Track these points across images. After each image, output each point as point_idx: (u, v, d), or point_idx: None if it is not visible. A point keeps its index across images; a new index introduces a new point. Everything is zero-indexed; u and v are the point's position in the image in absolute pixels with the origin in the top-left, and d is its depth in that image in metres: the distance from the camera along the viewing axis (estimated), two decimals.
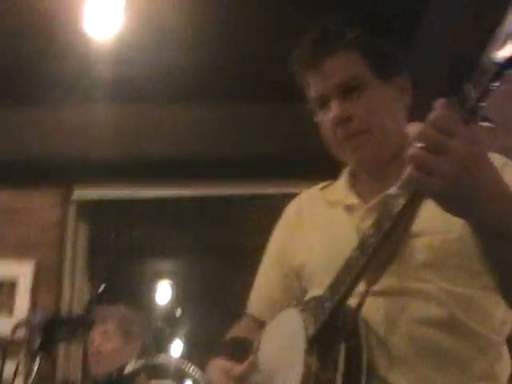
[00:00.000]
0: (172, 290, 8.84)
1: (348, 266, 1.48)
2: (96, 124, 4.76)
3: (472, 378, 1.53)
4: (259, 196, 5.26)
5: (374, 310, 1.55)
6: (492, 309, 1.56)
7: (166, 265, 8.51)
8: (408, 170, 1.17)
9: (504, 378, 1.60)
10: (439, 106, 1.16)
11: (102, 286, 6.92)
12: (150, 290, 8.85)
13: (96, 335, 3.17)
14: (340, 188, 1.84)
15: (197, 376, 1.22)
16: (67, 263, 4.86)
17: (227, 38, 4.20)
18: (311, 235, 1.81)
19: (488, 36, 1.14)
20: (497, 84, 1.13)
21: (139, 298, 8.40)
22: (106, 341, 3.22)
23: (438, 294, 1.54)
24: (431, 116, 1.15)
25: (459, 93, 1.16)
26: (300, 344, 1.52)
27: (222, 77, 4.52)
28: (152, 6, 3.94)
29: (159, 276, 8.70)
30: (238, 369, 1.61)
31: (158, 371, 2.98)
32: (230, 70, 4.48)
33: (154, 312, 9.01)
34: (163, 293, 8.83)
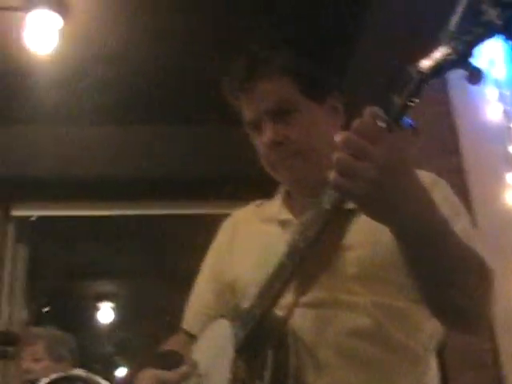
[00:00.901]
0: (114, 312, 8.77)
1: (276, 273, 1.49)
2: (36, 143, 4.74)
3: None
4: (197, 216, 5.28)
5: (302, 321, 1.55)
6: (421, 322, 1.56)
7: (108, 286, 8.44)
8: (331, 175, 1.19)
9: None
10: (365, 114, 1.18)
11: (46, 309, 6.84)
12: (92, 312, 8.78)
13: (25, 357, 3.15)
14: (275, 205, 1.85)
15: None
16: (5, 284, 4.80)
17: (166, 60, 4.24)
18: (245, 250, 1.82)
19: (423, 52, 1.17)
20: (420, 92, 1.16)
21: (81, 319, 8.32)
22: (35, 362, 3.20)
23: (367, 306, 1.55)
24: (356, 123, 1.17)
25: (385, 101, 1.18)
26: (229, 352, 1.54)
27: (162, 99, 4.56)
28: (91, 26, 3.96)
29: (100, 298, 8.63)
30: (170, 375, 1.61)
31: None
32: (171, 93, 4.51)
33: (96, 334, 8.93)
34: (105, 314, 8.75)
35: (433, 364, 1.65)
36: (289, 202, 1.83)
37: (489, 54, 3.51)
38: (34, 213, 5.07)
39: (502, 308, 3.04)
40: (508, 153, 3.46)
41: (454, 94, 3.59)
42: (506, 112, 3.53)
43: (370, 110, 1.18)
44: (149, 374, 1.65)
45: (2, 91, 4.36)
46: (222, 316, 1.70)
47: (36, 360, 3.19)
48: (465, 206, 2.94)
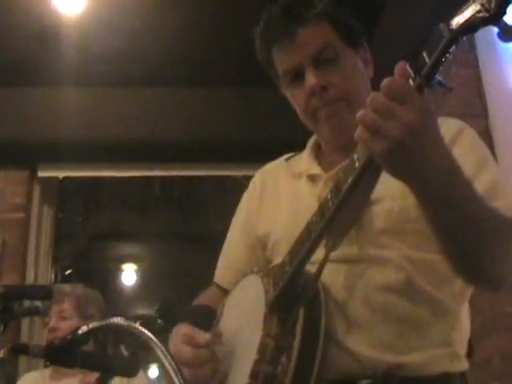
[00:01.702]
0: (137, 274, 8.83)
1: (307, 230, 1.49)
2: (61, 106, 4.74)
3: (429, 344, 1.55)
4: (221, 178, 5.29)
5: (333, 277, 1.57)
6: (451, 275, 1.53)
7: (131, 249, 8.49)
8: (357, 130, 1.21)
9: (461, 345, 1.62)
10: (396, 72, 1.18)
11: (69, 271, 6.89)
12: (116, 274, 8.83)
13: (52, 314, 3.14)
14: (304, 159, 1.85)
15: (151, 337, 1.25)
16: (31, 245, 4.84)
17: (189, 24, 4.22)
18: (276, 205, 1.83)
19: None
20: (452, 50, 1.15)
21: (105, 281, 8.39)
22: (62, 320, 3.18)
23: (397, 260, 1.56)
24: (385, 82, 1.17)
25: (415, 60, 1.17)
26: (260, 308, 1.54)
27: (190, 61, 4.55)
28: None
29: (124, 260, 8.68)
30: (202, 337, 1.62)
31: (112, 332, 2.99)
32: (200, 55, 4.50)
33: (119, 296, 8.99)
34: (128, 276, 8.81)
35: (465, 316, 1.67)
36: (319, 156, 1.84)
37: None
38: (60, 174, 5.10)
39: None
40: None
41: (483, 57, 3.56)
42: None
43: (400, 68, 1.18)
44: (183, 331, 1.66)
45: (30, 52, 4.35)
46: (254, 271, 1.71)
47: (63, 318, 3.18)
48: None
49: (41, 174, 4.94)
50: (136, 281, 8.85)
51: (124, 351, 2.99)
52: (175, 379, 1.19)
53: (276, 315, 1.51)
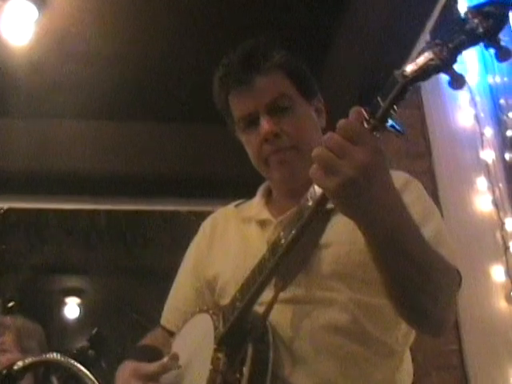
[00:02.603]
0: (80, 308, 8.71)
1: (259, 267, 1.52)
2: (8, 136, 4.69)
3: (372, 383, 1.60)
4: (167, 213, 5.29)
5: (280, 316, 1.61)
6: (397, 320, 1.59)
7: (75, 282, 8.40)
8: (312, 168, 1.24)
9: None
10: (352, 113, 1.23)
11: (11, 303, 6.78)
12: (59, 307, 8.71)
13: None
14: (254, 205, 1.90)
15: (87, 374, 1.23)
16: None
17: (145, 58, 4.24)
18: (225, 250, 1.87)
19: (402, 56, 1.20)
20: (405, 96, 1.19)
21: (48, 313, 8.26)
22: (1, 353, 3.11)
23: (343, 302, 1.61)
24: (341, 123, 1.22)
25: (370, 103, 1.22)
26: (210, 344, 1.58)
27: (141, 93, 4.55)
28: (67, 21, 3.95)
29: (68, 293, 8.57)
30: (148, 368, 1.63)
31: (48, 367, 2.92)
32: (145, 90, 4.51)
33: (63, 329, 8.86)
34: (71, 310, 8.69)
35: (407, 359, 1.71)
36: (269, 202, 1.88)
37: (462, 59, 3.55)
38: (3, 204, 5.03)
39: (469, 310, 3.09)
40: (479, 158, 3.51)
41: (427, 98, 3.63)
42: (477, 118, 3.59)
43: (356, 111, 1.23)
44: (129, 367, 1.67)
45: None
46: (203, 310, 1.74)
47: (3, 351, 3.10)
48: None
49: None
50: (79, 314, 8.73)
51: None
52: None
53: (224, 351, 1.55)
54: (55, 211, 5.56)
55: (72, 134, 4.79)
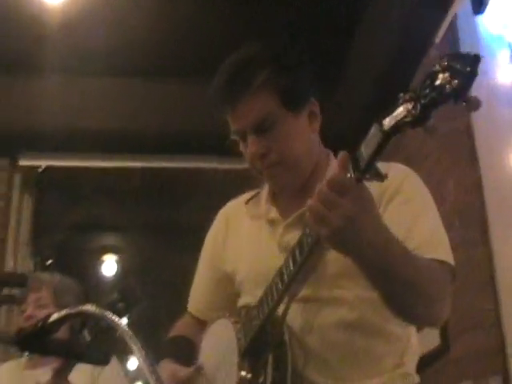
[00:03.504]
0: (117, 265, 8.81)
1: (274, 283, 1.70)
2: (44, 95, 4.72)
3: (384, 370, 1.77)
4: (202, 170, 5.30)
5: (293, 316, 1.78)
6: None
7: (112, 240, 8.48)
8: (307, 216, 1.43)
9: (412, 364, 1.84)
10: (338, 164, 1.38)
11: (50, 261, 6.86)
12: (96, 265, 8.81)
13: (29, 303, 3.09)
14: (262, 202, 2.00)
15: (122, 327, 1.24)
16: (11, 233, 4.82)
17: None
18: (239, 245, 2.01)
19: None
20: (385, 146, 1.26)
21: (85, 272, 8.36)
22: (39, 309, 3.14)
23: (351, 299, 1.77)
24: (329, 177, 1.37)
25: (354, 154, 1.33)
26: (233, 356, 1.78)
27: (178, 51, 4.54)
28: None
29: (104, 251, 8.66)
30: (184, 372, 1.87)
31: (83, 319, 2.96)
32: (194, 47, 4.51)
33: (100, 287, 8.97)
34: (108, 267, 8.79)
35: (414, 339, 1.88)
36: (276, 198, 1.99)
37: (503, 16, 3.48)
38: (41, 163, 5.08)
39: (506, 270, 3.07)
40: None
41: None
42: None
43: (341, 160, 1.37)
44: (168, 369, 1.89)
45: (12, 40, 4.33)
46: (226, 317, 1.93)
47: (40, 306, 3.13)
48: (472, 168, 2.99)
49: (21, 162, 4.92)
50: (116, 271, 8.82)
51: (87, 336, 2.95)
52: (143, 365, 1.21)
53: (247, 362, 1.75)
54: (91, 169, 5.59)
55: (107, 92, 4.81)
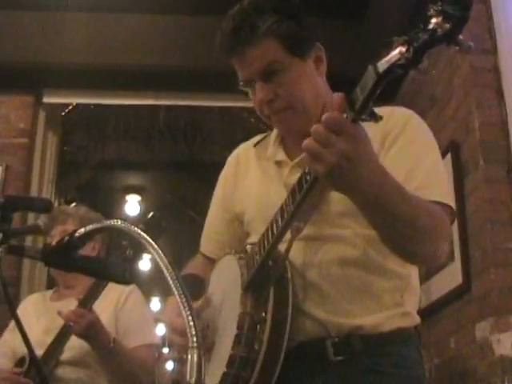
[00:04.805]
0: (140, 205, 8.86)
1: (275, 219, 1.75)
2: (69, 31, 4.71)
3: (383, 306, 1.84)
4: (225, 108, 5.28)
5: (295, 253, 1.85)
6: None
7: (136, 179, 8.52)
8: (304, 155, 1.49)
9: (411, 304, 1.91)
10: (334, 105, 1.41)
11: (73, 201, 6.91)
12: (120, 204, 8.87)
13: (55, 234, 3.11)
14: (271, 145, 2.08)
15: (148, 239, 1.26)
16: (35, 170, 4.84)
17: None
18: (248, 186, 2.09)
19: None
20: (379, 89, 1.29)
21: (109, 211, 8.42)
22: None
23: (352, 237, 1.85)
24: (325, 116, 1.40)
25: (350, 96, 1.37)
26: (237, 289, 1.84)
27: None
28: None
29: (128, 190, 8.71)
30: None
31: (110, 233, 3.00)
32: None
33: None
34: (132, 207, 8.85)
35: (415, 279, 1.96)
36: (283, 142, 2.07)
37: None
38: (65, 100, 5.08)
39: None
40: None
41: None
42: None
43: (337, 102, 1.41)
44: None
45: None
46: (232, 253, 1.99)
47: None
48: (498, 105, 2.97)
49: (46, 99, 4.92)
50: (140, 211, 8.88)
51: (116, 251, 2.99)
52: (169, 276, 1.23)
53: (250, 294, 1.80)
54: (115, 108, 5.59)
55: (132, 29, 4.78)
